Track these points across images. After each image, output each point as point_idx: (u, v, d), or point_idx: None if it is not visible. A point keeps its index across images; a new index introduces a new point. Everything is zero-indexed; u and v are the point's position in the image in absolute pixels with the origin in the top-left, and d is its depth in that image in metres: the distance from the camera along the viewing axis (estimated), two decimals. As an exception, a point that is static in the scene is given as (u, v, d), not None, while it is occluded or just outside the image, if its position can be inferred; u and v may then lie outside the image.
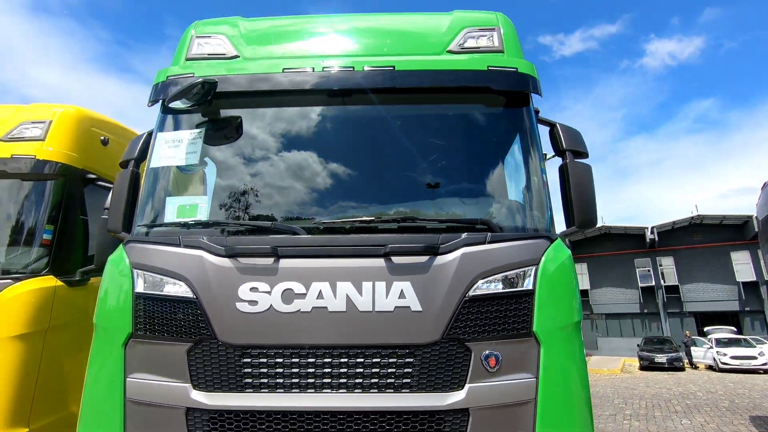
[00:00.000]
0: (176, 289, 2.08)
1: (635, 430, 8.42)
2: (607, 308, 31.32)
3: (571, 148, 2.51)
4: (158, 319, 2.07)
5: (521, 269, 2.08)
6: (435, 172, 2.44)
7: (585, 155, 2.58)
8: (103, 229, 3.08)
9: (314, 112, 2.53)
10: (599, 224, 31.19)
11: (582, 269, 32.65)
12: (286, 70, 2.46)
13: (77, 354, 3.67)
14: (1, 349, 3.14)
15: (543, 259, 2.12)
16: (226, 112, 2.56)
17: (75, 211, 3.80)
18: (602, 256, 31.70)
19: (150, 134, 2.82)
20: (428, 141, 2.52)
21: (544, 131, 2.67)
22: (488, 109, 2.62)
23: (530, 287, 2.06)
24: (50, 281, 3.45)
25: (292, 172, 2.47)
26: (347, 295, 2.01)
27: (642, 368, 21.12)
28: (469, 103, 2.58)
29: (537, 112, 2.74)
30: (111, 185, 3.67)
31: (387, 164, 2.52)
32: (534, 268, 2.09)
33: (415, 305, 2.00)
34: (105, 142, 4.18)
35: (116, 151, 4.29)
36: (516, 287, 2.06)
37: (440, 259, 2.07)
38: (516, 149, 2.53)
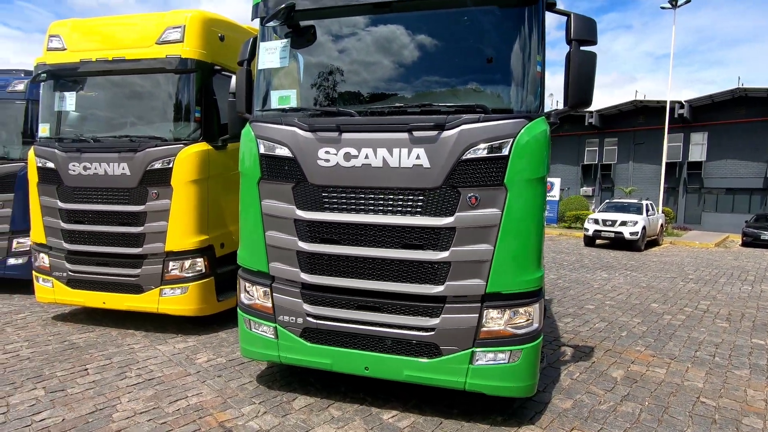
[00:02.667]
0: (282, 151, 3.41)
1: (686, 289, 9.13)
2: (725, 182, 28.52)
3: (579, 38, 3.10)
4: (274, 169, 3.46)
5: (502, 140, 3.00)
6: (451, 67, 3.27)
7: (592, 43, 3.15)
8: (231, 108, 4.48)
9: (364, 23, 3.40)
10: (734, 86, 26.43)
11: (700, 139, 29.24)
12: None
13: (227, 194, 5.52)
14: (186, 189, 5.00)
15: (520, 132, 2.99)
16: (305, 23, 3.52)
17: (210, 95, 5.26)
18: (730, 125, 27.77)
19: (254, 40, 3.94)
20: (448, 39, 3.29)
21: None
22: (498, 7, 3.22)
23: (506, 153, 3.00)
24: (205, 146, 5.12)
25: (349, 71, 3.48)
26: (383, 157, 3.16)
27: (744, 244, 20.12)
28: (483, 5, 3.21)
29: (553, 4, 3.26)
30: (230, 74, 5.01)
31: (417, 62, 3.37)
32: (511, 140, 2.99)
33: (426, 164, 3.09)
34: (222, 39, 5.40)
35: (230, 44, 5.53)
36: (496, 153, 3.01)
37: (446, 133, 3.06)
38: (518, 43, 3.18)
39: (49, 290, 5.46)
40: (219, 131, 5.39)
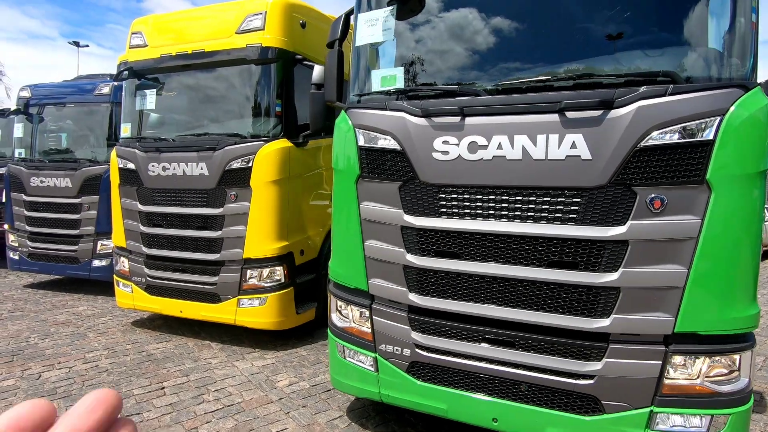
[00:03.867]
0: (387, 142, 2.76)
1: None
2: None
3: None
4: (377, 164, 2.82)
5: (703, 120, 2.13)
6: (616, 22, 2.44)
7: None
8: (315, 100, 3.94)
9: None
10: None
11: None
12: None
13: (307, 196, 5.03)
14: (266, 190, 4.55)
15: (732, 109, 2.10)
16: (412, -13, 2.86)
17: (292, 88, 4.79)
18: None
19: (347, 16, 3.34)
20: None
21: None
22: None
23: (710, 137, 2.12)
24: (285, 143, 4.64)
25: (472, 39, 2.76)
26: (523, 146, 2.41)
27: None
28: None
29: None
30: (312, 64, 4.49)
31: (562, 19, 2.58)
32: (718, 119, 2.11)
33: (585, 154, 2.29)
34: (303, 26, 4.92)
35: (311, 32, 5.04)
36: (695, 138, 2.14)
37: (614, 113, 2.24)
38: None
39: (129, 295, 5.27)
40: (300, 127, 4.90)
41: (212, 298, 4.78)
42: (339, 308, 3.20)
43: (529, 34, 2.65)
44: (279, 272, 4.68)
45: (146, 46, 5.11)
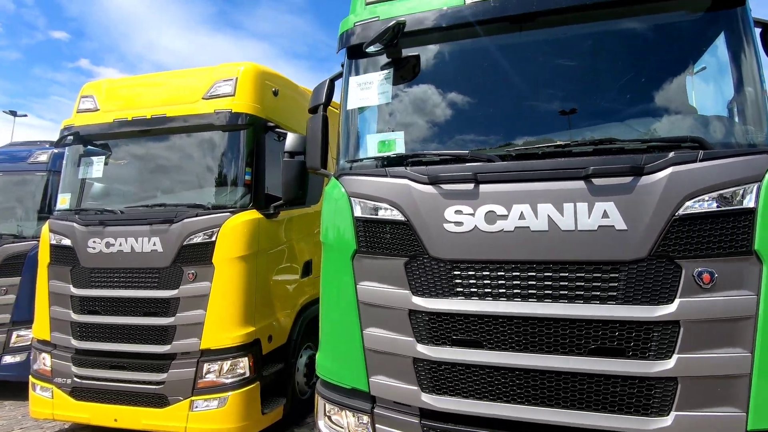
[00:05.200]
0: (389, 213, 2.42)
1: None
2: None
3: None
4: (377, 238, 2.45)
5: (740, 187, 1.99)
6: (631, 90, 2.36)
7: None
8: (289, 168, 3.60)
9: (498, 41, 2.57)
10: None
11: None
12: (468, 2, 2.51)
13: (276, 272, 4.49)
14: (230, 267, 3.98)
15: (767, 175, 1.99)
16: (410, 50, 2.72)
17: (262, 156, 4.44)
18: None
19: (332, 81, 3.14)
20: (621, 55, 2.42)
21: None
22: (690, 12, 2.38)
23: (751, 205, 1.96)
24: (254, 214, 4.18)
25: (479, 102, 2.60)
26: (548, 216, 2.15)
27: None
28: (669, 11, 2.37)
29: None
30: (284, 131, 4.22)
31: (575, 87, 2.48)
32: (755, 185, 1.98)
33: (620, 224, 2.06)
34: (275, 94, 4.71)
35: (283, 101, 4.84)
36: (733, 205, 1.98)
37: (646, 179, 2.07)
38: (725, 56, 2.29)
39: (48, 402, 4.24)
40: (269, 197, 4.49)
41: (158, 401, 3.92)
42: (328, 413, 2.61)
43: (542, 99, 2.52)
44: (243, 364, 3.97)
45: (97, 110, 4.64)
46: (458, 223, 2.28)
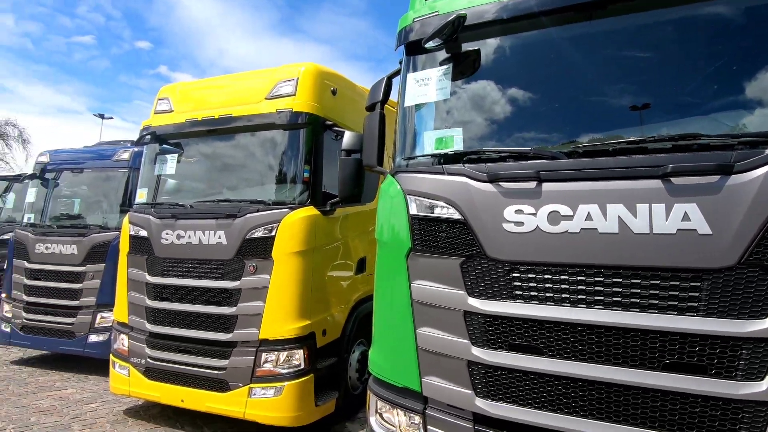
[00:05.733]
0: (445, 211, 2.37)
1: None
2: None
3: None
4: (432, 236, 2.40)
5: None
6: (717, 80, 2.13)
7: None
8: (345, 166, 3.65)
9: (564, 32, 2.43)
10: None
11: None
12: (534, -9, 2.39)
13: (331, 269, 4.57)
14: (288, 262, 4.11)
15: None
16: (470, 44, 2.64)
17: (320, 154, 4.53)
18: None
19: (389, 78, 3.15)
20: (703, 42, 2.19)
21: None
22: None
23: None
24: (312, 211, 4.28)
25: (542, 97, 2.47)
26: (619, 217, 1.99)
27: None
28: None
29: None
30: (342, 130, 4.28)
31: (651, 80, 2.28)
32: None
33: (703, 228, 1.86)
34: (334, 93, 4.79)
35: (341, 100, 4.92)
36: None
37: (736, 179, 1.85)
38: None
39: (125, 379, 4.63)
40: (326, 194, 4.58)
41: (220, 385, 4.15)
42: (380, 410, 2.61)
43: (608, 91, 2.35)
44: (298, 356, 4.09)
45: (172, 111, 4.98)
46: (518, 223, 2.18)
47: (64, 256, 6.42)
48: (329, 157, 4.62)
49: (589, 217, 2.05)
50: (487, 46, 2.61)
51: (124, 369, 4.65)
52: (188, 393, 4.25)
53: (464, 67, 2.64)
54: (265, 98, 4.53)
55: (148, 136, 5.02)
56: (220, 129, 4.66)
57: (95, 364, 6.29)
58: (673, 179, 1.94)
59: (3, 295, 7.01)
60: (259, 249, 4.16)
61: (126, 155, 6.87)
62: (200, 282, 4.33)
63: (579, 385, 2.04)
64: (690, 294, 1.88)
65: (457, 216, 2.33)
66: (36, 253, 6.58)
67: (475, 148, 2.49)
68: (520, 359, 2.14)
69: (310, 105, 4.44)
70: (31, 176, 7.49)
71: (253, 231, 4.19)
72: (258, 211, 4.23)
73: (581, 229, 2.06)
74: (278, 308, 4.06)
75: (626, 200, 1.99)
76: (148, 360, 4.48)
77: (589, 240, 2.04)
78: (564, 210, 2.10)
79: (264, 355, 4.05)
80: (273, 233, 4.13)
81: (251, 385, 4.02)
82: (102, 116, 31.66)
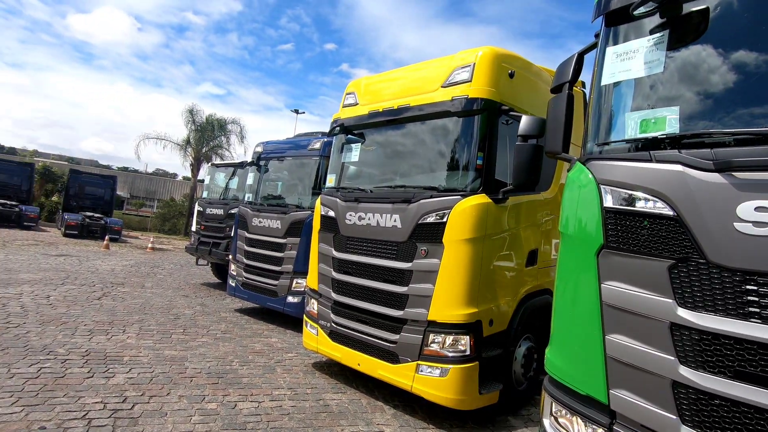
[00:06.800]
0: (650, 204, 2.04)
1: None
2: None
3: None
4: (631, 233, 2.11)
5: None
6: None
7: None
8: (522, 152, 3.45)
9: None
10: None
11: None
12: None
13: (501, 259, 4.45)
14: (458, 248, 4.16)
15: None
16: (691, 5, 2.18)
17: (495, 139, 4.41)
18: None
19: (581, 55, 2.83)
20: None
21: None
22: None
23: None
24: (484, 198, 4.22)
25: (808, 61, 1.89)
26: None
27: None
28: None
29: None
30: (519, 114, 4.06)
31: None
32: None
33: None
34: (512, 75, 4.57)
35: (518, 82, 4.66)
36: None
37: None
38: None
39: (314, 337, 5.42)
40: (498, 182, 4.45)
41: (391, 357, 4.50)
42: (555, 414, 2.46)
43: None
44: (464, 342, 4.14)
45: (357, 104, 5.49)
46: (759, 224, 1.74)
47: (272, 229, 7.79)
48: (504, 143, 4.47)
49: None
50: (716, 2, 2.11)
51: (314, 329, 5.44)
52: (364, 359, 4.74)
53: (683, 34, 2.20)
54: (441, 86, 4.60)
55: (337, 128, 5.64)
56: (399, 119, 4.94)
57: (291, 320, 7.52)
58: None
59: (230, 256, 8.92)
60: (431, 234, 4.31)
61: (318, 145, 7.89)
62: (377, 261, 4.73)
63: None
64: None
65: (667, 211, 1.99)
66: (253, 225, 8.16)
67: (696, 130, 2.06)
68: (749, 391, 1.73)
69: (486, 90, 4.34)
70: (250, 163, 9.27)
71: (425, 216, 4.36)
72: (431, 197, 4.37)
73: None
74: (446, 293, 4.16)
75: None
76: (333, 324, 5.13)
77: None
78: (837, 209, 1.58)
79: (431, 336, 4.22)
80: (444, 219, 4.23)
81: (419, 362, 4.25)
82: (296, 111, 37.06)
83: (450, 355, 4.14)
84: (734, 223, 1.80)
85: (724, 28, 2.15)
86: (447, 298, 4.16)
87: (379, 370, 4.58)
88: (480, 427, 4.29)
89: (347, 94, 5.71)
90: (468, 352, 4.12)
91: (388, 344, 4.53)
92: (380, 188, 5.05)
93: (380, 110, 5.10)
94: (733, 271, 1.79)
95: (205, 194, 12.58)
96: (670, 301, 1.95)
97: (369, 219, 4.84)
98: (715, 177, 1.87)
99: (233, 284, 8.49)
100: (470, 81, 4.39)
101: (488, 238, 4.26)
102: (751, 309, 1.75)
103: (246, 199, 8.96)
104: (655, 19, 2.30)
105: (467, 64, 4.47)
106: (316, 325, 5.39)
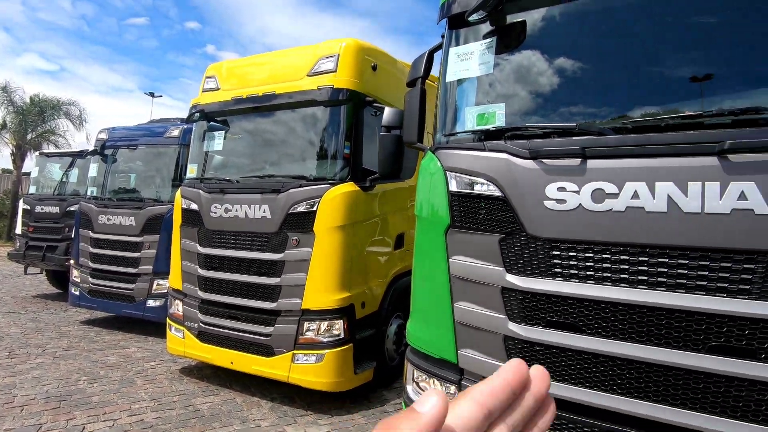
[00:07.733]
0: (485, 188, 2.37)
1: None
2: None
3: None
4: (471, 213, 2.42)
5: None
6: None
7: None
8: (386, 142, 3.68)
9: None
10: None
11: None
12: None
13: (370, 244, 4.68)
14: (329, 236, 4.25)
15: None
16: (515, 16, 2.56)
17: (361, 130, 4.58)
18: None
19: (431, 53, 3.11)
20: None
21: None
22: None
23: None
24: (352, 187, 4.37)
25: (590, 71, 2.38)
26: (668, 196, 1.92)
27: None
28: None
29: None
30: (382, 106, 4.29)
31: (708, 50, 2.14)
32: None
33: (761, 208, 1.77)
34: (374, 68, 4.78)
35: (381, 75, 4.90)
36: None
37: (806, 154, 1.74)
38: None
39: (180, 341, 5.02)
40: (365, 170, 4.65)
41: (266, 350, 4.42)
42: (416, 379, 2.71)
43: (662, 62, 2.23)
44: (338, 326, 4.27)
45: (218, 89, 5.16)
46: (560, 201, 2.15)
47: (124, 227, 6.91)
48: (368, 133, 4.66)
49: (635, 195, 1.99)
50: (533, 16, 2.52)
51: (179, 332, 5.03)
52: (237, 356, 4.56)
53: (508, 41, 2.57)
54: (307, 75, 4.60)
55: (197, 114, 5.24)
56: (264, 106, 4.80)
57: (153, 326, 6.82)
58: (730, 156, 1.84)
59: (71, 261, 7.67)
60: (302, 223, 4.32)
61: (176, 132, 7.21)
62: (247, 253, 4.56)
63: (618, 364, 2.03)
64: (742, 276, 1.81)
65: (497, 193, 2.32)
66: (99, 223, 7.13)
67: (518, 124, 2.44)
68: (558, 336, 2.15)
69: (350, 81, 4.47)
70: (92, 152, 8.04)
71: (295, 206, 4.34)
72: (300, 186, 4.37)
73: (627, 207, 2.00)
74: (319, 280, 4.23)
75: (677, 178, 1.92)
76: (201, 324, 4.82)
77: (635, 218, 1.99)
78: (609, 188, 2.05)
79: (306, 324, 4.26)
80: (315, 208, 4.27)
81: (294, 351, 4.26)
82: (152, 95, 32.93)
83: (325, 340, 4.23)
84: (544, 202, 2.19)
85: (540, 39, 2.56)
86: (320, 285, 4.23)
87: (254, 365, 4.47)
88: (357, 405, 4.49)
89: (207, 77, 5.33)
90: (342, 336, 4.26)
91: (262, 338, 4.43)
92: (248, 178, 4.87)
93: (244, 96, 4.88)
94: (543, 240, 2.19)
95: (33, 189, 10.52)
96: (501, 269, 2.30)
97: (236, 211, 4.63)
98: (530, 164, 2.25)
99: (77, 293, 7.34)
100: (335, 71, 4.47)
101: (358, 225, 4.44)
102: (555, 270, 2.17)
103: (89, 193, 7.77)
104: (487, 26, 2.64)
105: (332, 54, 4.53)
106: (181, 328, 5.00)
